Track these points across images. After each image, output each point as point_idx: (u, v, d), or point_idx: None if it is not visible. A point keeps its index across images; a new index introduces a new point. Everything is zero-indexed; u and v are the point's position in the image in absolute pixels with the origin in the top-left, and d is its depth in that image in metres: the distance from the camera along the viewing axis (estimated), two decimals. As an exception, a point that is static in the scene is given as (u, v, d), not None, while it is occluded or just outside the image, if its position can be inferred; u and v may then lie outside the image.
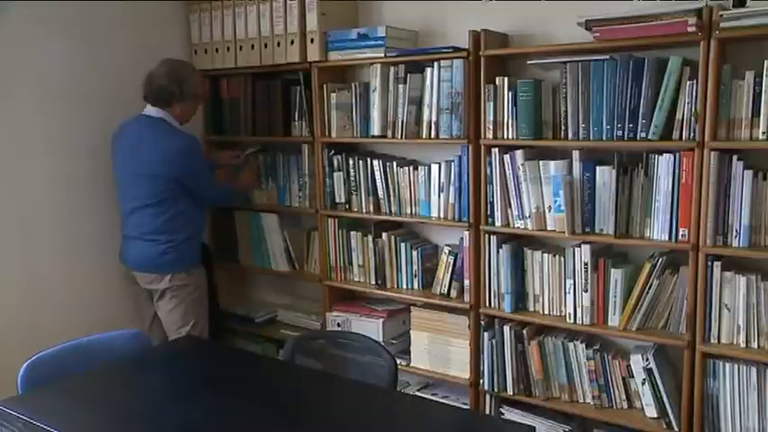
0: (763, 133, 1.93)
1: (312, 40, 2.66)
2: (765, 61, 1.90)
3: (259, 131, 2.99)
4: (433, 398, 2.61)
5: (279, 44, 2.73)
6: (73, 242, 2.73)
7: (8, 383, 1.82)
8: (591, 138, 2.19)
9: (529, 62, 2.34)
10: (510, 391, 2.44)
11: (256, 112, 2.98)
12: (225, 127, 3.12)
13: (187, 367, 2.09)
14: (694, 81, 2.00)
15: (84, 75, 2.71)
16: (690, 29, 1.94)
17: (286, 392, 1.86)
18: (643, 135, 2.09)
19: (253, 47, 2.81)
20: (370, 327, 2.67)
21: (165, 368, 2.08)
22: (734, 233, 2.00)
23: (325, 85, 2.73)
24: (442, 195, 2.57)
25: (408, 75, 2.54)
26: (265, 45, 2.77)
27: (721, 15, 1.90)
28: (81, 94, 2.70)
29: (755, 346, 2.00)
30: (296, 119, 2.88)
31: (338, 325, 2.76)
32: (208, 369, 2.13)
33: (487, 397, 2.53)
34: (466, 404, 2.55)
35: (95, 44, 2.73)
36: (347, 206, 2.83)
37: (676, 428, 2.13)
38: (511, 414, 2.47)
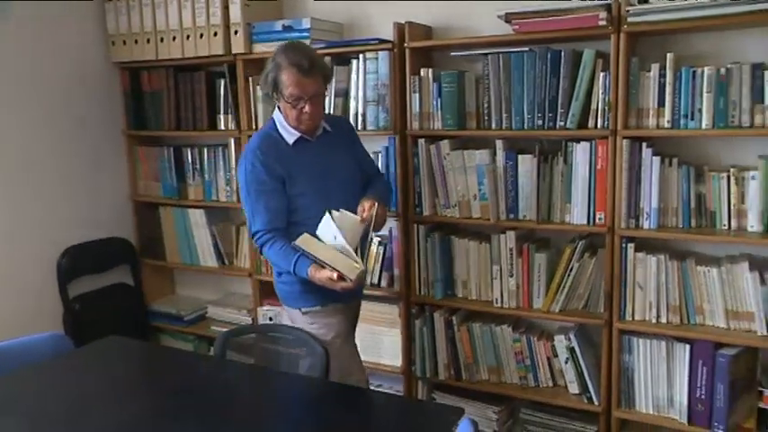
0: (668, 122, 2.03)
1: (236, 32, 2.60)
2: (668, 54, 2.01)
3: (183, 126, 2.90)
4: (367, 387, 2.61)
5: (201, 36, 2.65)
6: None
7: None
8: (513, 127, 2.24)
9: (452, 54, 2.37)
10: (441, 377, 2.47)
11: (180, 106, 2.92)
12: (147, 122, 3.04)
13: (112, 368, 2.01)
14: (607, 72, 2.09)
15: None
16: (600, 22, 2.02)
17: (216, 388, 1.81)
18: (561, 124, 2.16)
19: (174, 38, 2.73)
20: (302, 320, 2.64)
21: (89, 370, 1.98)
22: (645, 216, 2.10)
23: (250, 78, 2.68)
24: (370, 186, 2.57)
25: (334, 67, 2.50)
26: (188, 37, 2.69)
27: (628, 11, 1.99)
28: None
29: (665, 321, 2.11)
30: (221, 112, 2.83)
31: (270, 319, 2.71)
32: (134, 369, 2.06)
33: (420, 383, 2.55)
34: (399, 391, 2.56)
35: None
36: (276, 200, 2.78)
37: (596, 402, 2.22)
38: (443, 398, 2.51)
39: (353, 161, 2.14)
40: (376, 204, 1.95)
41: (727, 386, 2.02)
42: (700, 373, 2.06)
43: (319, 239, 1.87)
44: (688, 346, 2.08)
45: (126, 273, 3.14)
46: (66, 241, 2.87)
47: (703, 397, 2.06)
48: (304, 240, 1.84)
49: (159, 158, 3.08)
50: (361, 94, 2.47)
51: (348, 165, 2.11)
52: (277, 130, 2.01)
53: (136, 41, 2.86)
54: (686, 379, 2.08)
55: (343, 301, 2.03)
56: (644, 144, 2.08)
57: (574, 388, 2.27)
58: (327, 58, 2.51)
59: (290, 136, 2.00)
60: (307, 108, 1.91)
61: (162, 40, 2.77)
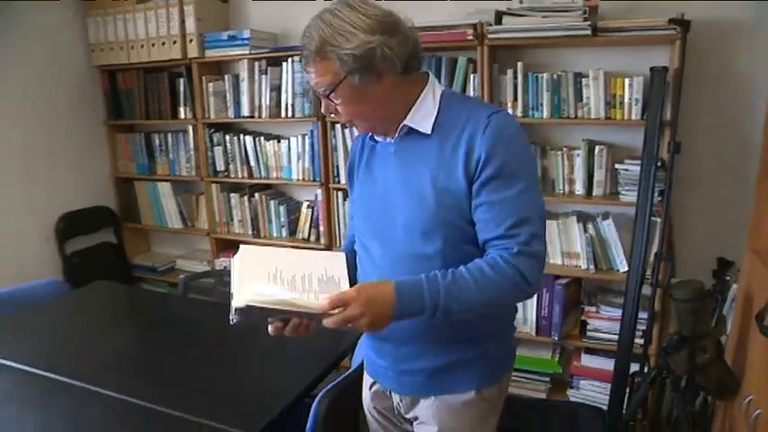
0: (521, 112, 2.46)
1: (191, 41, 2.93)
2: (519, 63, 2.45)
3: (151, 116, 3.22)
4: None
5: (164, 44, 2.97)
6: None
7: None
8: None
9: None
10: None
11: (148, 100, 3.20)
12: (123, 113, 3.31)
13: (102, 307, 2.27)
14: (476, 74, 2.49)
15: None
16: (468, 37, 2.41)
17: (187, 321, 2.08)
18: None
19: (142, 46, 3.03)
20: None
21: (82, 308, 2.23)
22: None
23: (203, 77, 3.01)
24: (299, 162, 2.92)
25: (269, 68, 2.86)
26: (153, 44, 2.99)
27: (488, 29, 2.41)
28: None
29: None
30: (181, 104, 3.12)
31: (224, 267, 3.05)
32: (120, 307, 2.36)
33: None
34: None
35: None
36: (226, 173, 3.11)
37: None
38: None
39: (448, 195, 1.16)
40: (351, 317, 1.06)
41: (561, 306, 2.51)
42: (544, 298, 2.56)
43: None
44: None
45: (111, 234, 3.47)
46: (62, 209, 3.22)
47: (546, 314, 2.57)
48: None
49: (133, 143, 3.37)
50: (290, 88, 2.83)
51: (425, 198, 1.17)
52: None
53: (112, 48, 3.13)
54: (535, 303, 2.57)
55: None
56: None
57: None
58: (263, 62, 2.83)
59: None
60: (335, 109, 1.19)
61: (132, 47, 3.07)
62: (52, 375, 1.64)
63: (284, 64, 2.88)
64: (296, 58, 2.81)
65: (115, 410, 1.47)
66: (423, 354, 1.25)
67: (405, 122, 1.21)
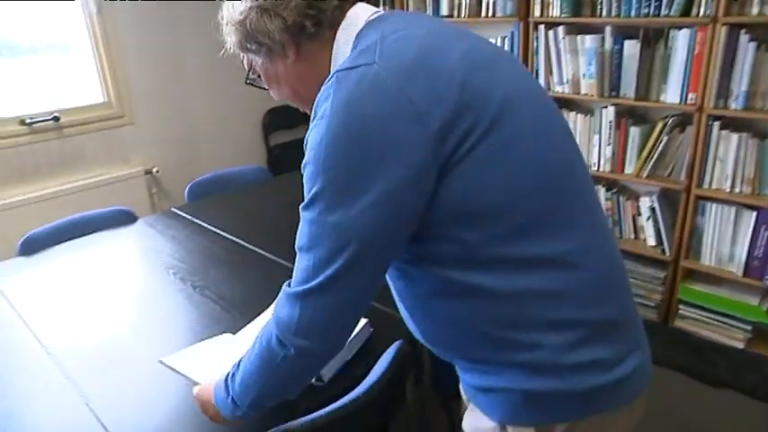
0: None
1: None
2: None
3: None
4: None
5: None
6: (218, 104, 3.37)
7: (182, 195, 2.47)
8: (621, 15, 2.41)
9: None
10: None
11: None
12: None
13: (298, 194, 2.57)
14: None
15: None
16: None
17: None
18: (666, 12, 2.29)
19: None
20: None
21: (281, 192, 2.45)
22: (733, 97, 2.21)
23: None
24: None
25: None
26: None
27: None
28: None
29: (738, 191, 2.28)
30: None
31: None
32: None
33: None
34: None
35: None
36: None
37: (668, 253, 2.53)
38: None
39: None
40: None
41: (783, 247, 2.19)
42: (761, 236, 2.25)
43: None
44: (755, 213, 2.24)
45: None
46: (268, 104, 3.54)
47: (760, 255, 2.26)
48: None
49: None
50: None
51: None
52: None
53: None
54: (748, 239, 2.27)
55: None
56: (742, 30, 2.14)
57: (651, 241, 2.59)
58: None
59: None
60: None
61: None
62: (251, 246, 1.87)
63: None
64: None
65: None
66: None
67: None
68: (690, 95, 2.33)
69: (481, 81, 0.79)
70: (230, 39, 0.92)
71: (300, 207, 0.83)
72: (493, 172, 0.78)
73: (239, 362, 0.96)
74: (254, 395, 0.93)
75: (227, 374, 0.98)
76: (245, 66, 0.97)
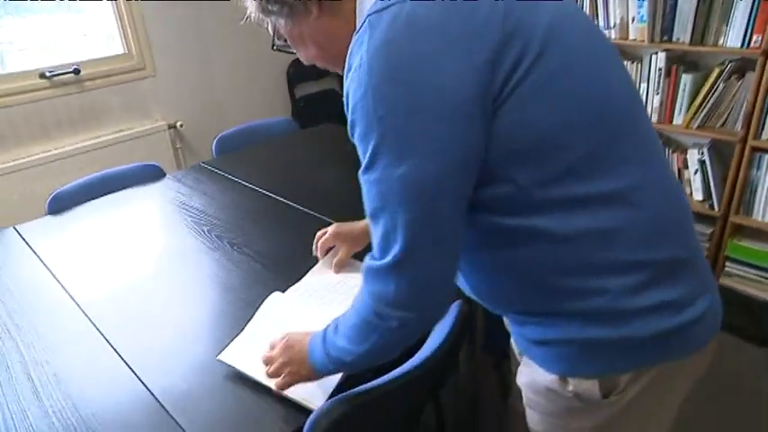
0: None
1: None
2: None
3: None
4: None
5: None
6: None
7: (208, 150, 2.43)
8: None
9: None
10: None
11: None
12: None
13: (325, 145, 2.37)
14: None
15: None
16: None
17: None
18: None
19: None
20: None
21: (308, 144, 2.36)
22: None
23: None
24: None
25: None
26: None
27: None
28: None
29: None
30: None
31: None
32: (340, 145, 2.42)
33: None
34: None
35: None
36: None
37: (716, 209, 2.41)
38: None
39: None
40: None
41: None
42: None
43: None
44: (816, 166, 2.13)
45: (334, 81, 3.60)
46: (291, 56, 3.44)
47: None
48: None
49: None
50: None
51: None
52: None
53: None
54: None
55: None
56: (817, -34, 1.97)
57: (698, 195, 2.46)
58: None
59: None
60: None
61: None
62: (286, 200, 1.80)
63: None
64: None
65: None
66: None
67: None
68: (755, 38, 2.15)
69: (523, 9, 0.73)
70: (251, 4, 0.87)
71: (360, 172, 0.78)
72: (540, 106, 0.73)
73: (336, 324, 0.92)
74: (353, 359, 0.89)
75: (324, 332, 0.95)
76: (270, 31, 0.93)
